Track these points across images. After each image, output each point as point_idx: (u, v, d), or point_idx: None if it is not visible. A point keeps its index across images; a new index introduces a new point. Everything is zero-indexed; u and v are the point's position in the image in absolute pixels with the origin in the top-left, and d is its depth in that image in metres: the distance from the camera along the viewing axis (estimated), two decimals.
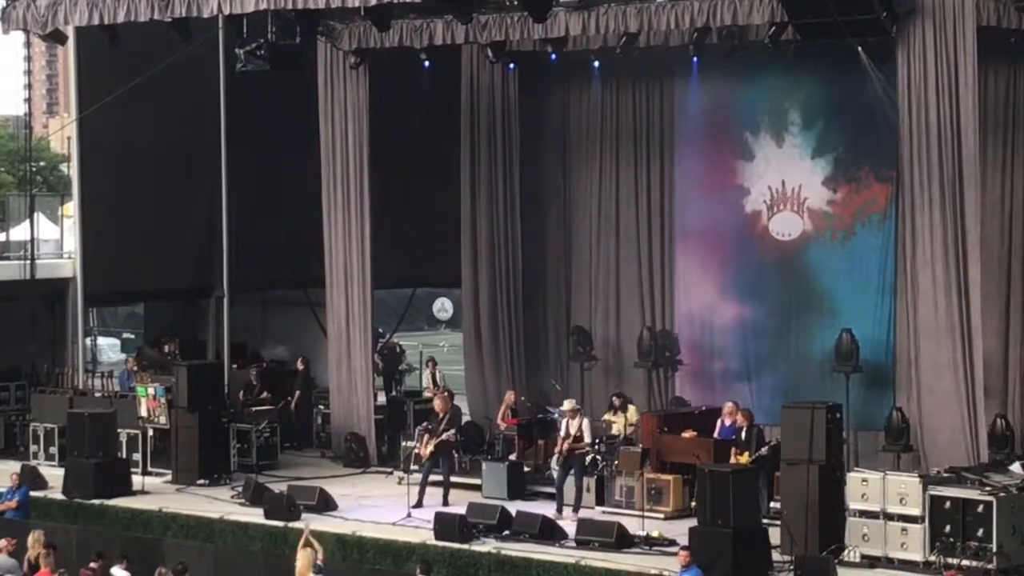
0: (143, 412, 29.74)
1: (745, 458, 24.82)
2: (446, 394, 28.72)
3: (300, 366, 33.15)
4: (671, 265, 31.94)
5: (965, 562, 21.20)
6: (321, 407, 32.36)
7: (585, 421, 26.20)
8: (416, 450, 27.10)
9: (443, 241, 33.45)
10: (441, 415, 27.34)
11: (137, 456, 29.72)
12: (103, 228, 33.40)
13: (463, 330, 34.12)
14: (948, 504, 21.66)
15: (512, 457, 28.38)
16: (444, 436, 26.87)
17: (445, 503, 26.43)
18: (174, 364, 31.36)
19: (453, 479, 27.29)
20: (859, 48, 26.40)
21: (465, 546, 23.58)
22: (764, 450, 24.88)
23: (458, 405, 30.51)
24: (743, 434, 25.34)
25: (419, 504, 26.28)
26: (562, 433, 26.15)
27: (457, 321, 41.06)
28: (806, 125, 30.36)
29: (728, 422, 26.18)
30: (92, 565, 21.67)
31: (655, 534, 23.80)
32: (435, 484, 28.10)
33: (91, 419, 28.67)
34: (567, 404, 26.54)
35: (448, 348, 42.44)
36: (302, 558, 20.02)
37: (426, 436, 27.07)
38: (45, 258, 35.63)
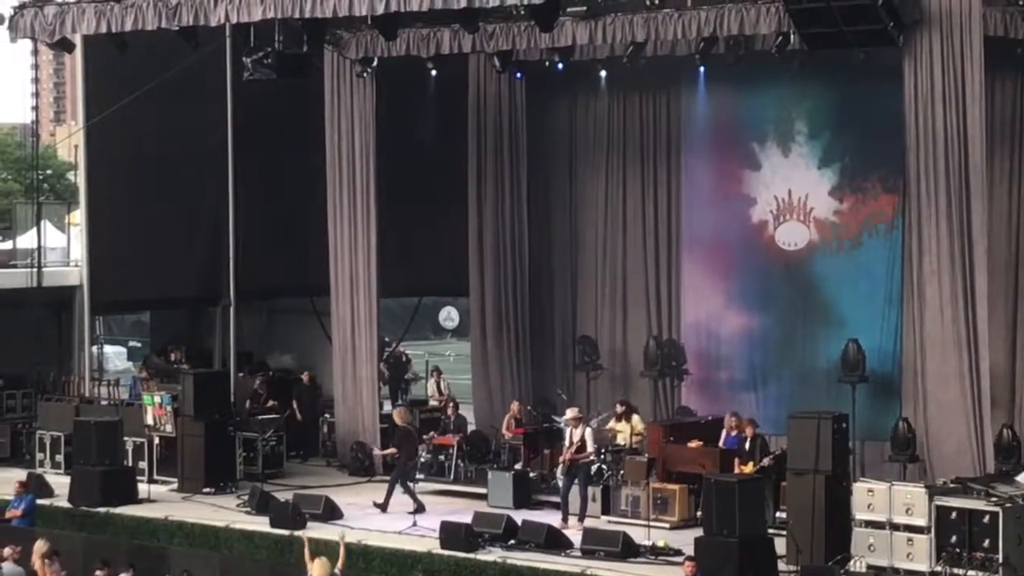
0: (149, 420, 29.78)
1: (749, 468, 24.81)
2: (400, 409, 29.10)
3: (306, 380, 33.11)
4: (677, 274, 31.95)
5: (971, 573, 21.15)
6: (327, 416, 32.36)
7: (588, 430, 26.18)
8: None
9: (450, 250, 33.44)
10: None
11: (143, 464, 29.74)
12: (110, 236, 33.41)
13: (470, 339, 34.11)
14: (954, 514, 21.61)
15: (518, 466, 28.39)
16: (377, 452, 28.61)
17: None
18: (180, 372, 31.39)
19: (458, 487, 28.19)
20: (862, 61, 26.44)
21: (471, 555, 23.56)
22: (766, 460, 24.87)
23: (463, 415, 30.62)
24: (747, 444, 25.33)
25: (418, 509, 26.41)
26: (566, 442, 26.14)
27: (463, 330, 41.09)
28: (812, 135, 30.39)
29: (734, 433, 26.22)
30: (98, 573, 21.68)
31: (661, 543, 23.78)
32: (437, 492, 28.24)
33: (97, 427, 28.69)
34: (569, 413, 26.55)
35: (454, 357, 42.46)
36: (318, 567, 19.90)
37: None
38: (52, 266, 35.60)
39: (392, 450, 27.92)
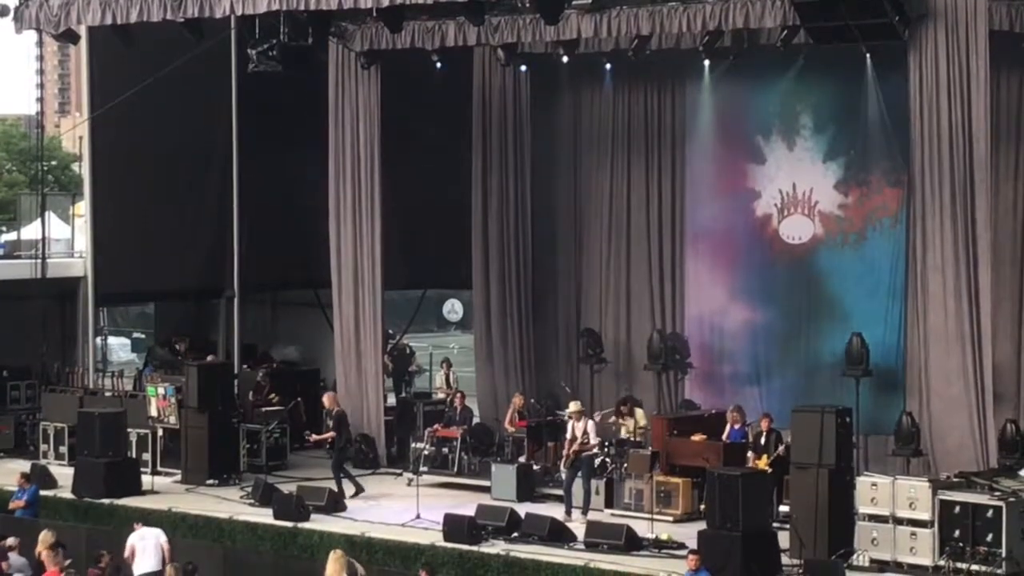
0: (153, 412, 29.80)
1: (763, 462, 24.80)
2: (331, 393, 29.32)
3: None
4: (681, 268, 31.93)
5: (974, 567, 21.18)
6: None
7: (590, 423, 26.20)
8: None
9: (454, 243, 33.43)
10: (332, 411, 28.33)
11: (147, 456, 29.77)
12: (114, 228, 33.43)
13: (474, 332, 34.12)
14: (957, 509, 21.64)
15: (521, 459, 28.40)
16: (314, 437, 28.56)
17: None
18: (184, 364, 31.39)
19: (461, 480, 28.37)
20: (867, 55, 26.41)
21: (474, 548, 23.58)
22: (781, 449, 24.84)
23: (469, 406, 30.62)
24: (763, 439, 25.30)
25: (357, 492, 27.53)
26: (568, 436, 26.14)
27: (467, 323, 41.11)
28: (817, 129, 30.35)
29: (737, 426, 26.22)
30: (101, 564, 21.71)
31: (664, 537, 23.79)
32: (441, 485, 28.24)
33: (101, 418, 28.70)
34: (571, 407, 26.55)
35: (458, 350, 42.47)
36: (333, 562, 19.94)
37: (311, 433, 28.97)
38: (56, 257, 35.64)
39: (331, 434, 28.16)
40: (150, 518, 26.33)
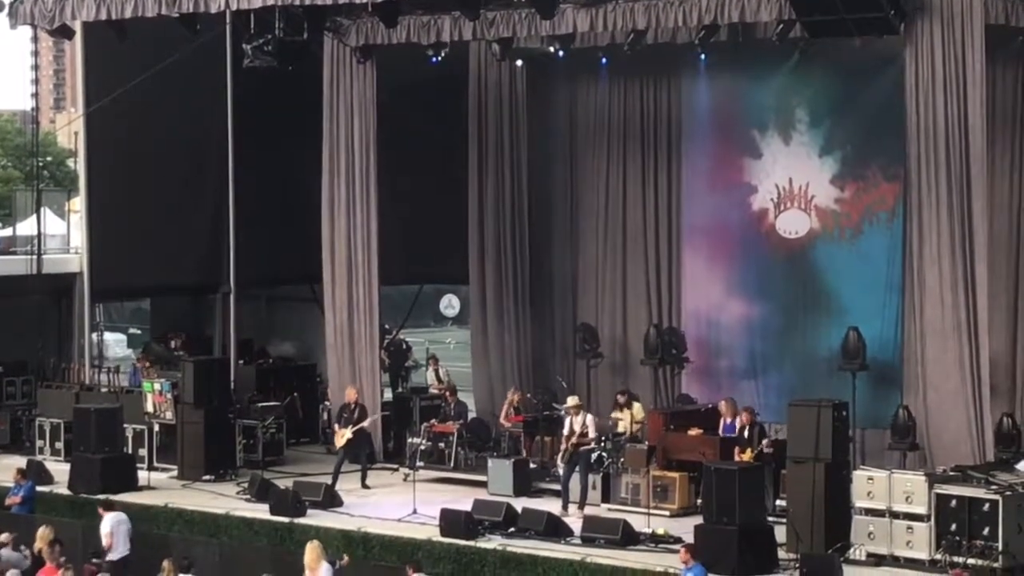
0: (149, 408, 29.79)
1: (748, 455, 24.81)
2: (352, 388, 29.12)
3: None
4: (678, 262, 31.92)
5: (971, 561, 21.17)
6: (327, 403, 32.32)
7: (589, 417, 26.17)
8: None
9: (450, 238, 33.42)
10: (352, 405, 28.21)
11: (143, 451, 29.76)
12: (110, 223, 33.41)
13: (470, 327, 34.12)
14: (954, 503, 21.64)
15: (518, 454, 28.38)
16: (361, 424, 28.06)
17: (364, 486, 27.86)
18: (180, 360, 31.37)
19: (458, 475, 28.16)
20: (863, 49, 26.40)
21: (471, 542, 23.57)
22: (765, 443, 24.84)
23: (464, 401, 30.61)
24: (746, 432, 25.32)
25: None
26: (566, 431, 26.12)
27: (464, 318, 41.03)
28: (814, 123, 30.34)
29: (729, 420, 26.20)
30: (96, 560, 21.71)
31: (661, 531, 23.78)
32: (437, 480, 28.20)
33: (97, 414, 28.69)
34: (569, 401, 26.54)
35: (454, 345, 42.44)
36: (310, 551, 20.05)
37: (336, 426, 28.50)
38: (52, 253, 35.60)
39: (367, 420, 28.41)
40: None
